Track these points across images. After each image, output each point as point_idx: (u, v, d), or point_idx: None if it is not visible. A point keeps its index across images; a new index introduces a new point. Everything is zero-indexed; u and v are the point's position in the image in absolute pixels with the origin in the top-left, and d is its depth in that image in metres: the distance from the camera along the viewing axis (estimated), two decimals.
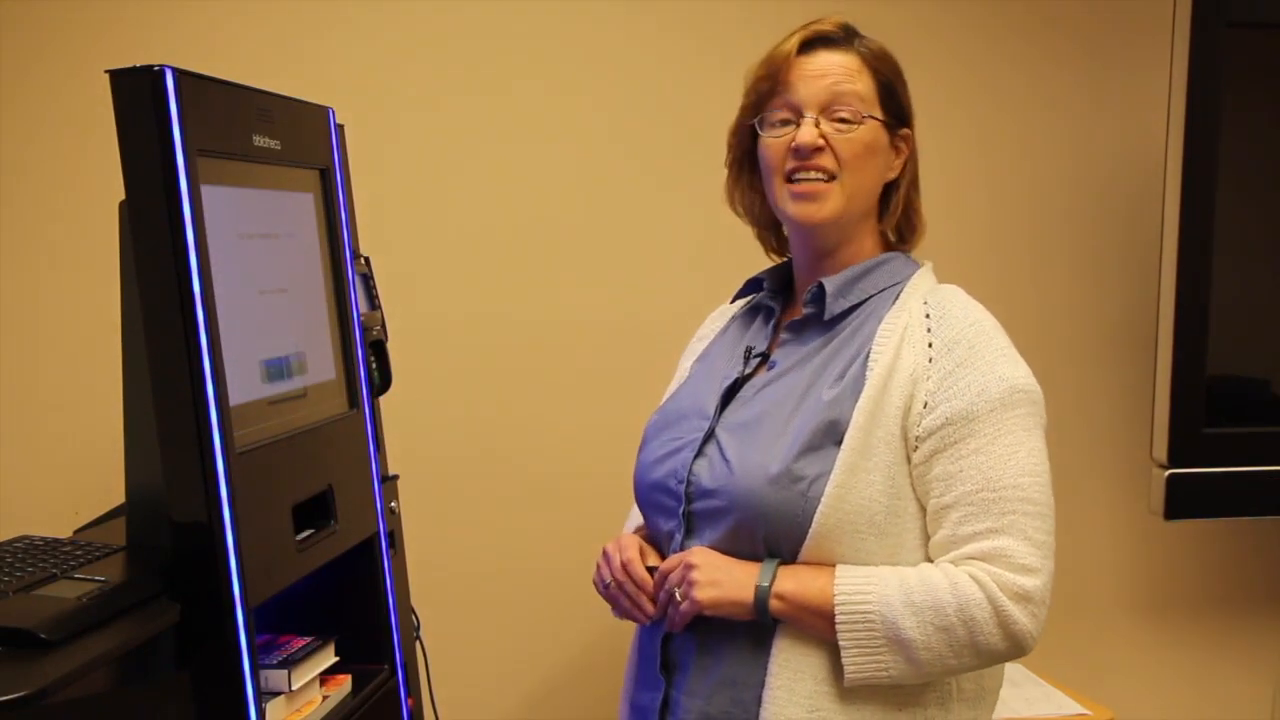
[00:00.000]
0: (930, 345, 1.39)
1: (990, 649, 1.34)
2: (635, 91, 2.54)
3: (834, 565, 1.36)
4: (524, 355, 2.55)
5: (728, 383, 1.50)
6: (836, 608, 1.33)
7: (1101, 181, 2.72)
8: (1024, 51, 2.69)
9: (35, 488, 2.34)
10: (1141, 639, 2.82)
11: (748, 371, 1.51)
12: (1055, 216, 2.72)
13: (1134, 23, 2.69)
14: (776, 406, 1.43)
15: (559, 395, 2.56)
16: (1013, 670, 2.44)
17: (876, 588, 1.33)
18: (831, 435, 1.37)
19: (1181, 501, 2.42)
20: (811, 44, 1.47)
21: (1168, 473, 2.41)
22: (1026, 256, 2.72)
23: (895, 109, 1.49)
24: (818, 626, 1.35)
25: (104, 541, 1.52)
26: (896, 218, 1.52)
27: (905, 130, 1.51)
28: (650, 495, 1.51)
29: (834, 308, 1.46)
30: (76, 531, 1.76)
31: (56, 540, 1.55)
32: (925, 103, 2.67)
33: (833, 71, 1.45)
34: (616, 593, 1.48)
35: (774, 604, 1.36)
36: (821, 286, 1.47)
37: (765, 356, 1.52)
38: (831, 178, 1.44)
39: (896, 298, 1.46)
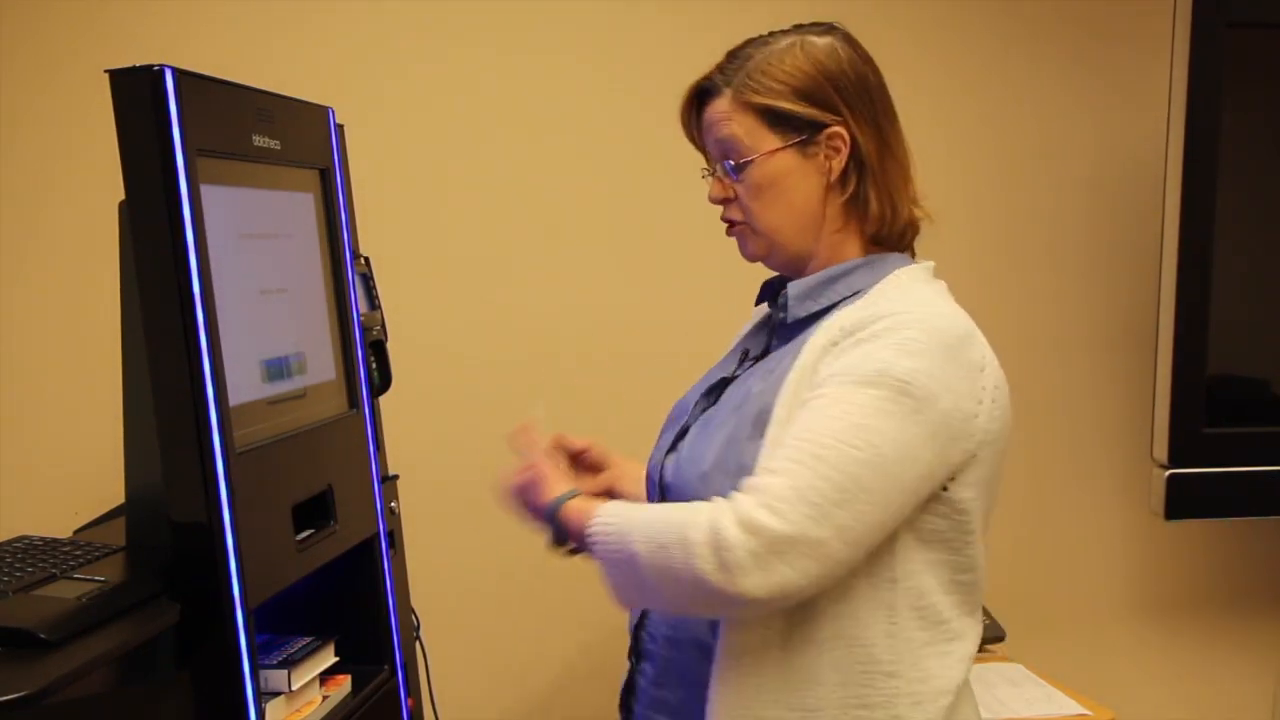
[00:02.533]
0: (841, 329, 1.37)
1: (706, 580, 1.25)
2: (637, 91, 2.54)
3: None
4: (524, 355, 2.55)
5: (711, 382, 1.52)
6: (589, 523, 1.35)
7: (1101, 181, 2.72)
8: (1024, 52, 2.69)
9: (35, 488, 2.34)
10: (1141, 639, 2.82)
11: (736, 373, 1.52)
12: (1055, 216, 2.72)
13: (1134, 23, 2.69)
14: (728, 404, 1.45)
15: (560, 394, 2.56)
16: (1012, 670, 2.44)
17: (626, 510, 1.36)
18: (759, 428, 1.37)
19: (1181, 501, 2.42)
20: (696, 98, 1.48)
21: (1168, 473, 2.41)
22: (1026, 256, 2.72)
23: (794, 124, 1.42)
24: (586, 546, 1.38)
25: (104, 541, 1.53)
26: (871, 213, 1.46)
27: (830, 130, 1.43)
28: (646, 486, 1.55)
29: (796, 311, 1.45)
30: (76, 531, 1.76)
31: (56, 540, 1.55)
32: (926, 103, 2.67)
33: (712, 121, 1.45)
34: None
35: (559, 521, 1.41)
36: (787, 292, 1.48)
37: (759, 359, 1.53)
38: (741, 223, 1.46)
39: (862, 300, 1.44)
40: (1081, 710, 2.27)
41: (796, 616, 1.34)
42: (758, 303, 1.61)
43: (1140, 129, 2.65)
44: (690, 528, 1.27)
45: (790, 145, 1.43)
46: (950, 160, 2.65)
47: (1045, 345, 2.73)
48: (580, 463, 1.67)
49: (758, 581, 1.24)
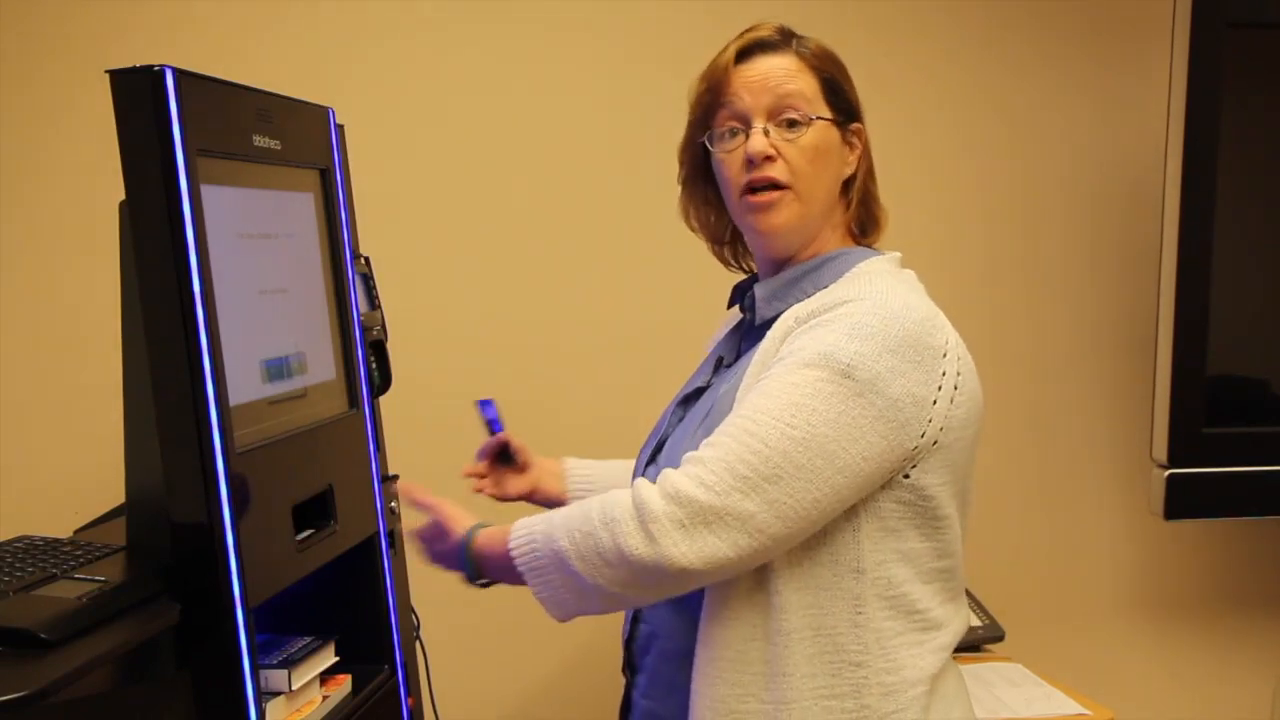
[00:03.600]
0: (796, 318, 1.37)
1: (635, 554, 1.26)
2: (636, 91, 2.54)
3: None
4: (524, 355, 2.55)
5: (687, 391, 1.52)
6: (509, 540, 1.37)
7: (1102, 181, 2.72)
8: (1024, 52, 2.69)
9: (35, 488, 2.34)
10: (1141, 639, 2.82)
11: (712, 381, 1.52)
12: (1055, 217, 2.72)
13: (1134, 23, 2.69)
14: (700, 412, 1.45)
15: (559, 394, 2.56)
16: (1012, 670, 2.44)
17: (544, 516, 1.36)
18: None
19: (1181, 501, 2.42)
20: (749, 51, 1.45)
21: (1168, 473, 2.41)
22: (1027, 257, 2.72)
23: (842, 105, 1.46)
24: (513, 578, 1.38)
25: (104, 541, 1.53)
26: (856, 211, 1.49)
27: (856, 125, 1.48)
28: None
29: (765, 312, 1.45)
30: (76, 531, 1.76)
31: (56, 540, 1.55)
32: (926, 104, 2.68)
33: (774, 75, 1.42)
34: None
35: (473, 556, 1.43)
36: (754, 294, 1.47)
37: (731, 366, 1.53)
38: (785, 186, 1.42)
39: None
40: (1081, 710, 2.27)
41: (769, 610, 1.34)
42: (730, 305, 1.61)
43: (1140, 129, 2.65)
44: (614, 506, 1.28)
45: (836, 122, 1.45)
46: (950, 161, 2.65)
47: (1045, 345, 2.74)
48: (513, 461, 1.76)
49: (684, 550, 1.24)
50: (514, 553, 1.35)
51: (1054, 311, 2.73)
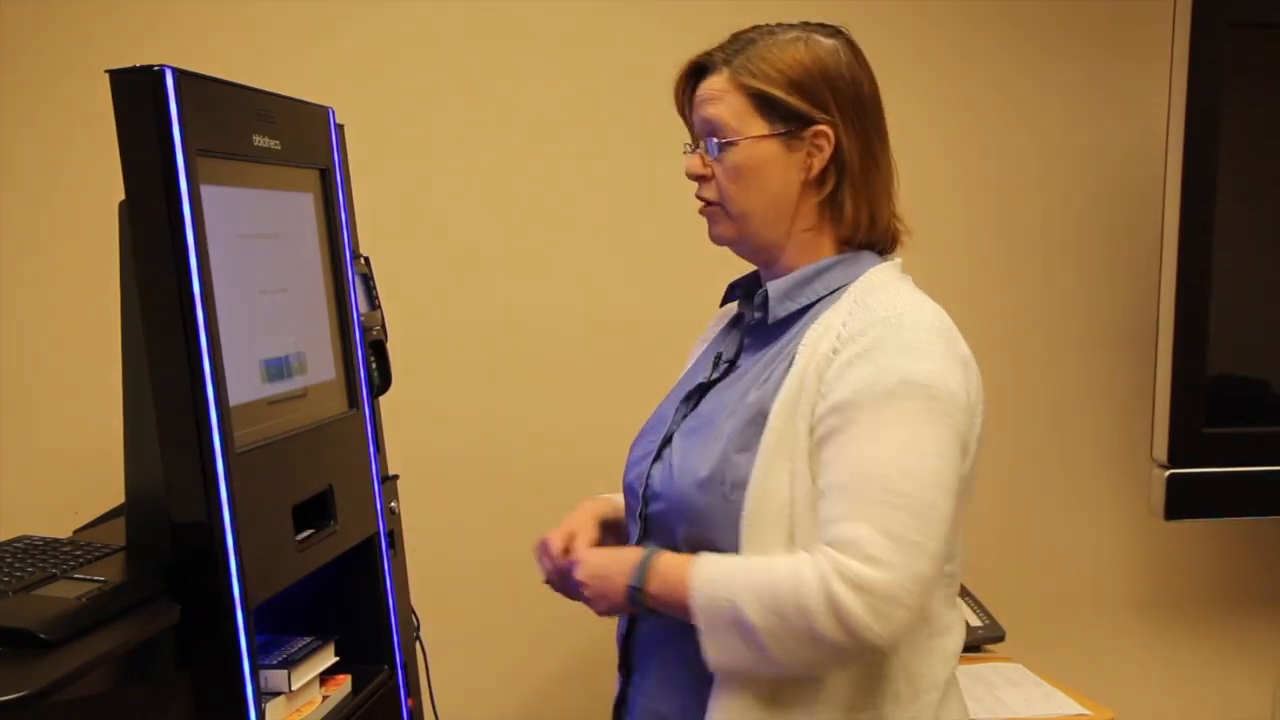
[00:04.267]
0: (838, 336, 1.37)
1: (828, 640, 1.27)
2: (636, 91, 2.54)
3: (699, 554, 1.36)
4: (524, 355, 2.55)
5: (690, 388, 1.52)
6: (691, 597, 1.33)
7: (1101, 181, 2.72)
8: (1024, 52, 2.69)
9: (35, 488, 2.34)
10: (1141, 639, 2.82)
11: (714, 377, 1.52)
12: (1055, 217, 2.72)
13: (1134, 23, 2.69)
14: (718, 410, 1.44)
15: (559, 394, 2.56)
16: (1012, 670, 2.44)
17: (726, 575, 1.32)
18: (754, 436, 1.37)
19: (1181, 501, 2.42)
20: (693, 73, 1.47)
21: (1168, 473, 2.41)
22: (1026, 257, 2.72)
23: (784, 114, 1.42)
24: (687, 617, 1.35)
25: (104, 541, 1.53)
26: (846, 217, 1.46)
27: (817, 127, 1.43)
28: (625, 498, 1.54)
29: (778, 311, 1.45)
30: (76, 531, 1.76)
31: (56, 540, 1.55)
32: (925, 104, 2.67)
33: (702, 97, 1.45)
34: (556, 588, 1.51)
35: (649, 604, 1.38)
36: (766, 292, 1.47)
37: (733, 362, 1.52)
38: (714, 204, 1.45)
39: (841, 298, 1.44)
40: (1081, 710, 2.27)
41: None
42: (724, 303, 1.62)
43: (1140, 129, 2.65)
44: (804, 595, 1.27)
45: (775, 135, 1.43)
46: (950, 162, 2.65)
47: (1045, 345, 2.74)
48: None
49: (878, 632, 1.26)
50: (695, 604, 1.33)
51: (1054, 311, 2.73)
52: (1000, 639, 2.47)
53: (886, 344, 1.33)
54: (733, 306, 1.64)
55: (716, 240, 1.48)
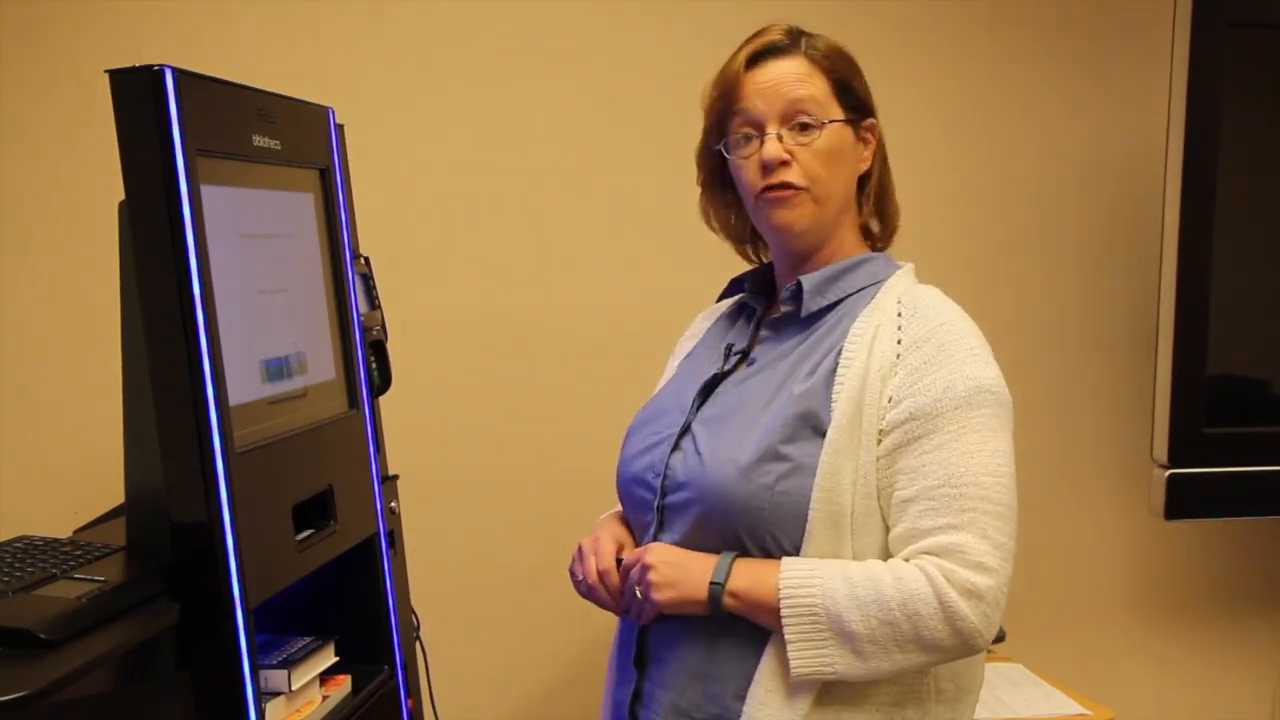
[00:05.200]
0: (899, 341, 1.39)
1: (937, 644, 1.31)
2: (636, 91, 2.54)
3: (782, 559, 1.36)
4: (524, 355, 2.55)
5: (706, 378, 1.51)
6: (781, 601, 1.33)
7: (1101, 181, 2.72)
8: (1024, 52, 2.69)
9: (35, 488, 2.34)
10: (1141, 639, 2.82)
11: (727, 368, 1.52)
12: (1055, 216, 2.72)
13: (1134, 22, 2.69)
14: (750, 401, 1.44)
15: (559, 394, 2.56)
16: (1012, 670, 2.44)
17: (821, 581, 1.33)
18: (806, 426, 1.37)
19: (1181, 501, 2.42)
20: (759, 56, 1.46)
21: (1168, 473, 2.41)
22: (1027, 257, 2.72)
23: (854, 103, 1.48)
24: (768, 620, 1.35)
25: (104, 541, 1.52)
26: (872, 207, 1.52)
27: (870, 121, 1.50)
28: (630, 489, 1.52)
29: (811, 305, 1.47)
30: (76, 531, 1.76)
31: (56, 540, 1.55)
32: (926, 103, 2.67)
33: (785, 80, 1.44)
34: (591, 595, 1.49)
35: (728, 601, 1.37)
36: (800, 284, 1.47)
37: (745, 354, 1.53)
38: (802, 189, 1.44)
39: (873, 297, 1.46)
40: (1081, 710, 2.28)
41: None
42: (721, 297, 1.63)
43: (1140, 129, 2.65)
44: (916, 603, 1.30)
45: (849, 121, 1.46)
46: (950, 161, 2.65)
47: (1045, 345, 2.74)
48: None
49: (986, 635, 1.32)
50: (786, 613, 1.33)
51: (1053, 311, 2.73)
52: (1000, 639, 2.47)
53: (953, 351, 1.37)
54: (725, 303, 1.65)
55: (789, 227, 1.46)
